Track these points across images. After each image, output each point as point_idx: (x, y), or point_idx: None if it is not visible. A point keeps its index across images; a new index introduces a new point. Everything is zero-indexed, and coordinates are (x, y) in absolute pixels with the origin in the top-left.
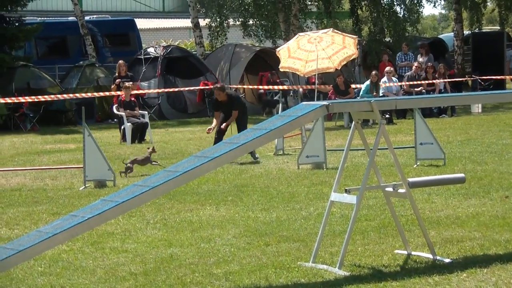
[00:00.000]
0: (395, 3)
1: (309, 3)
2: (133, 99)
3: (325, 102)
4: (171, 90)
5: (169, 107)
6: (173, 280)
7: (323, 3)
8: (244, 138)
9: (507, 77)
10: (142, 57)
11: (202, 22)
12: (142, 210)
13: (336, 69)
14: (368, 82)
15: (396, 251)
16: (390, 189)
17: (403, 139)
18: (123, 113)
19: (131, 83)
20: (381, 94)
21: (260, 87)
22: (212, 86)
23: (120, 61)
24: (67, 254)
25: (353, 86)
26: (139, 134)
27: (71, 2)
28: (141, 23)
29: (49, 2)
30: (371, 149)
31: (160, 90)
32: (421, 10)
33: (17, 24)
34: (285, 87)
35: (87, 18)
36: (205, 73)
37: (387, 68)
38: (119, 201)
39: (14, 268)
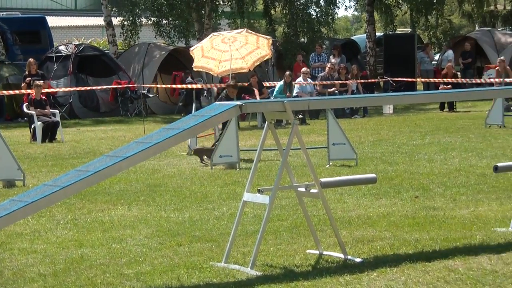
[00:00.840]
0: (309, 5)
1: (222, 3)
2: (44, 97)
3: (238, 102)
4: (83, 88)
5: (81, 106)
6: (84, 281)
7: (236, 3)
8: (157, 138)
9: (418, 79)
10: (54, 55)
11: (115, 21)
12: (52, 210)
13: (250, 70)
14: (281, 82)
15: (308, 251)
16: (303, 189)
17: (316, 140)
18: (33, 112)
19: (42, 81)
20: (295, 94)
21: (174, 86)
22: (125, 85)
23: (31, 59)
24: None
25: (267, 85)
26: (50, 133)
27: None
28: (53, 21)
29: None
30: (284, 149)
31: (71, 89)
32: (335, 12)
33: None
34: (199, 86)
35: None
36: (118, 72)
37: (304, 69)
38: (28, 201)
39: None
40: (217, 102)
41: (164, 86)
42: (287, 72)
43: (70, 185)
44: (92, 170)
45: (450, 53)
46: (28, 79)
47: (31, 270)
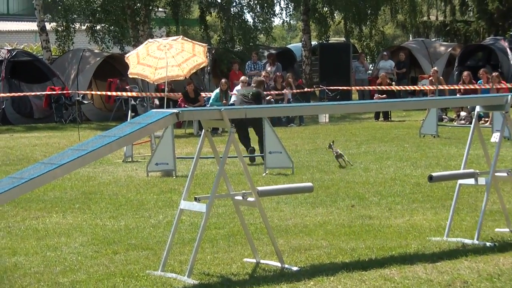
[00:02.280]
0: (245, 11)
1: (157, 9)
2: None
3: (175, 110)
4: (16, 94)
5: (13, 111)
6: None
7: (171, 9)
8: (93, 145)
9: (353, 88)
10: None
11: (49, 26)
12: None
13: (186, 77)
14: (217, 90)
15: (245, 259)
16: (240, 197)
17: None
18: None
19: None
20: (231, 102)
21: (109, 93)
22: (59, 91)
23: None
24: None
25: (202, 94)
26: None
27: None
28: None
29: None
30: (220, 157)
31: (4, 95)
32: (272, 19)
33: None
34: (134, 93)
35: None
36: (51, 78)
37: (242, 78)
38: None
39: None
40: (154, 110)
41: (99, 93)
42: (223, 80)
43: (4, 192)
44: (26, 177)
45: (391, 62)
46: None
47: None
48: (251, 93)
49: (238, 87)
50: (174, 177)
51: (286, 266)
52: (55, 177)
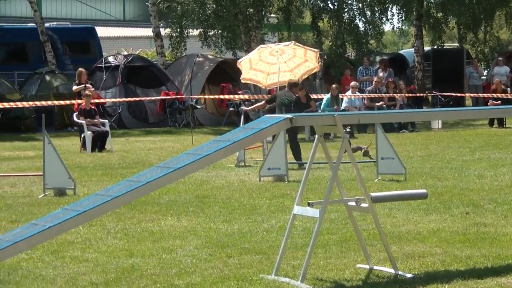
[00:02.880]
0: (357, 18)
1: (269, 15)
2: (93, 107)
3: (289, 115)
4: (132, 99)
5: (129, 116)
6: None
7: (284, 15)
8: (207, 150)
9: (467, 94)
10: (103, 65)
11: (163, 32)
12: (103, 219)
13: (298, 83)
14: (328, 95)
15: (358, 265)
16: (353, 203)
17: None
18: (83, 122)
19: (92, 89)
20: (342, 108)
21: (221, 96)
22: (173, 96)
23: (81, 69)
24: (27, 262)
25: (314, 97)
26: (99, 142)
27: (31, 8)
28: (102, 31)
29: (9, 7)
30: (333, 163)
31: (121, 100)
32: (382, 28)
33: None
34: (247, 97)
35: (47, 25)
36: (166, 83)
37: (353, 83)
38: (81, 210)
39: None
40: (267, 115)
41: (212, 96)
42: (334, 85)
43: (122, 195)
44: (143, 181)
45: (506, 68)
46: (88, 86)
47: (83, 279)
48: (291, 101)
49: (349, 93)
50: (286, 182)
51: (400, 272)
52: (170, 181)
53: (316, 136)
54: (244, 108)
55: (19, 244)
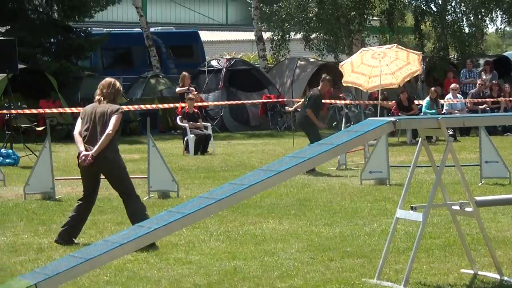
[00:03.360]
0: (460, 20)
1: (372, 18)
2: (196, 111)
3: (392, 118)
4: (234, 102)
5: (231, 119)
6: None
7: (386, 18)
8: (310, 153)
9: None
10: (206, 69)
11: (265, 35)
12: (206, 222)
13: (400, 86)
14: (428, 98)
15: (462, 270)
16: (457, 207)
17: (467, 157)
18: (186, 125)
19: (195, 92)
20: (443, 111)
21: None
22: (274, 99)
23: (184, 73)
24: (132, 264)
25: (416, 102)
26: (202, 145)
27: (137, 13)
28: (205, 35)
29: (115, 13)
30: (437, 166)
31: (223, 103)
32: (485, 31)
33: (83, 34)
34: (348, 101)
35: (152, 29)
36: (267, 86)
37: (453, 85)
38: (185, 212)
39: (81, 277)
40: (370, 118)
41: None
42: (432, 88)
43: (225, 198)
44: (246, 184)
45: None
46: (192, 89)
47: (186, 280)
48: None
49: (450, 96)
50: (387, 186)
51: (506, 278)
52: (273, 184)
53: (420, 139)
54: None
55: (125, 246)
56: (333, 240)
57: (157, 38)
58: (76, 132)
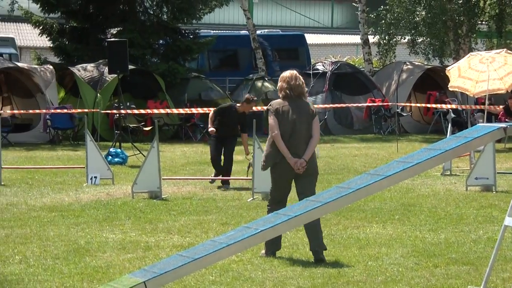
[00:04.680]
0: None
1: (480, 22)
2: None
3: (503, 125)
4: (338, 106)
5: (335, 122)
6: None
7: (495, 22)
8: (418, 158)
9: None
10: (311, 72)
11: (371, 39)
12: None
13: (508, 91)
14: None
15: None
16: None
17: None
18: None
19: None
20: None
21: (428, 105)
22: (379, 103)
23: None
24: (237, 264)
25: None
26: None
27: (244, 16)
28: (310, 38)
29: (222, 15)
30: None
31: (328, 106)
32: None
33: (191, 36)
34: (454, 106)
35: (258, 32)
36: (372, 90)
37: None
38: (292, 215)
39: (187, 276)
40: (480, 124)
41: (418, 105)
42: None
43: (332, 201)
44: (353, 187)
45: None
46: None
47: (290, 283)
48: None
49: None
50: (494, 193)
51: None
52: (380, 188)
53: None
54: None
55: (231, 246)
56: (438, 246)
57: (263, 41)
58: None
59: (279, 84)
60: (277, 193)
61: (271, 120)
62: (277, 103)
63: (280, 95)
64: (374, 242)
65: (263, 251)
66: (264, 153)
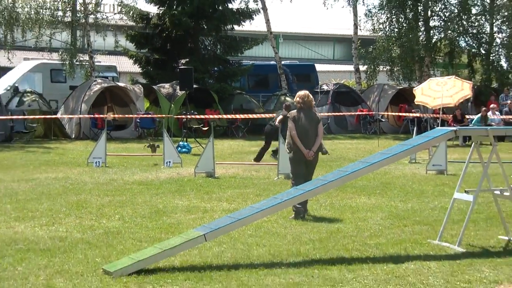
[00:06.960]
0: (500, 59)
1: (438, 57)
2: None
3: (454, 128)
4: (336, 114)
5: (335, 125)
6: (340, 246)
7: (448, 57)
8: (395, 150)
9: None
10: (319, 90)
11: (361, 68)
12: (318, 197)
13: (455, 105)
14: (479, 115)
15: (500, 236)
16: (498, 192)
17: (504, 156)
18: None
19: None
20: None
21: (400, 114)
22: (366, 112)
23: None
24: (267, 223)
25: (466, 117)
26: None
27: (273, 51)
28: (318, 67)
29: (258, 50)
30: (485, 163)
31: (330, 114)
32: None
33: (236, 65)
34: (417, 115)
35: (282, 62)
36: (361, 103)
37: (492, 105)
38: (306, 189)
39: (233, 231)
40: (438, 128)
41: (393, 113)
42: (483, 108)
43: (335, 180)
44: (349, 171)
45: None
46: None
47: (304, 236)
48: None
49: (490, 113)
50: (445, 175)
51: None
52: (369, 171)
53: (473, 143)
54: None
55: (265, 210)
56: (406, 212)
57: (286, 68)
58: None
59: (296, 99)
60: (295, 171)
61: (291, 124)
62: (294, 112)
63: (297, 107)
64: (362, 208)
65: (292, 216)
66: (286, 145)
